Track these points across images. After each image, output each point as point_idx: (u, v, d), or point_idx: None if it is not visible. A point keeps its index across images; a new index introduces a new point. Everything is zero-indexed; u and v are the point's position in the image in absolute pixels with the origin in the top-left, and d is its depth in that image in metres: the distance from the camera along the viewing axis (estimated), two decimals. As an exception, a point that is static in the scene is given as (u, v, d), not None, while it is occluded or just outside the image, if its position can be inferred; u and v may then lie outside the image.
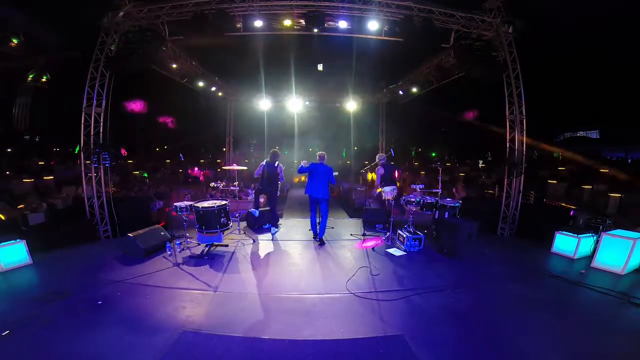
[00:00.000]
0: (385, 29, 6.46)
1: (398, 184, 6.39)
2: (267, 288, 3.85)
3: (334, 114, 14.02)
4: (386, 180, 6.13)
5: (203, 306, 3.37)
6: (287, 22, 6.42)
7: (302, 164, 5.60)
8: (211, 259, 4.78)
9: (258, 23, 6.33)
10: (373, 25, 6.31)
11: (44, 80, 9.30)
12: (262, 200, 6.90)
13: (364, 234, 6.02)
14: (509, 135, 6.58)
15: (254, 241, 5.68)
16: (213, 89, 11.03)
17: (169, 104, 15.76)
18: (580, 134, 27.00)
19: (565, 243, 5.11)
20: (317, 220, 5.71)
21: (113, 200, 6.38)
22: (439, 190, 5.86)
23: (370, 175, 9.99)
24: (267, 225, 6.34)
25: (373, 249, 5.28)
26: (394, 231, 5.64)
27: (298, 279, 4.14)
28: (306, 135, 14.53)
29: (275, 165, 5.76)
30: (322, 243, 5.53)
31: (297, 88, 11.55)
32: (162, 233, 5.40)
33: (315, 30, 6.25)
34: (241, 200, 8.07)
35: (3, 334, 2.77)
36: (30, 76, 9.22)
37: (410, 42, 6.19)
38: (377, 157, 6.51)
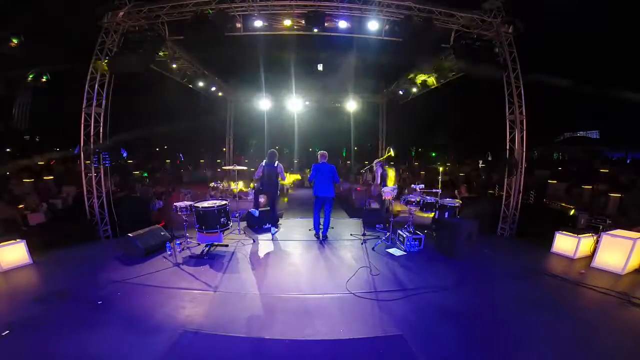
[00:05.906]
0: (385, 29, 6.45)
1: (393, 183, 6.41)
2: (267, 288, 3.85)
3: (334, 114, 14.02)
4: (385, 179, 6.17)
5: (203, 306, 3.37)
6: (287, 22, 6.43)
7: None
8: (211, 259, 4.78)
9: (258, 23, 6.34)
10: (373, 25, 6.31)
11: (44, 80, 9.31)
12: (262, 200, 6.90)
13: (364, 234, 6.02)
14: (509, 135, 6.59)
15: (254, 241, 5.67)
16: (213, 89, 11.03)
17: (169, 104, 15.72)
18: (580, 134, 26.99)
19: (565, 243, 5.10)
20: (320, 221, 5.77)
21: (113, 200, 6.37)
22: (439, 190, 5.87)
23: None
24: (267, 225, 6.33)
25: (373, 248, 5.28)
26: (394, 231, 5.64)
27: (298, 279, 4.14)
28: (306, 135, 14.54)
29: (275, 165, 5.77)
30: (325, 239, 5.73)
31: (297, 88, 11.55)
32: (162, 233, 5.39)
33: (315, 30, 6.25)
34: (241, 200, 8.06)
35: (3, 334, 2.77)
36: (30, 76, 9.23)
37: (410, 42, 6.19)
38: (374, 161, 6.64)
